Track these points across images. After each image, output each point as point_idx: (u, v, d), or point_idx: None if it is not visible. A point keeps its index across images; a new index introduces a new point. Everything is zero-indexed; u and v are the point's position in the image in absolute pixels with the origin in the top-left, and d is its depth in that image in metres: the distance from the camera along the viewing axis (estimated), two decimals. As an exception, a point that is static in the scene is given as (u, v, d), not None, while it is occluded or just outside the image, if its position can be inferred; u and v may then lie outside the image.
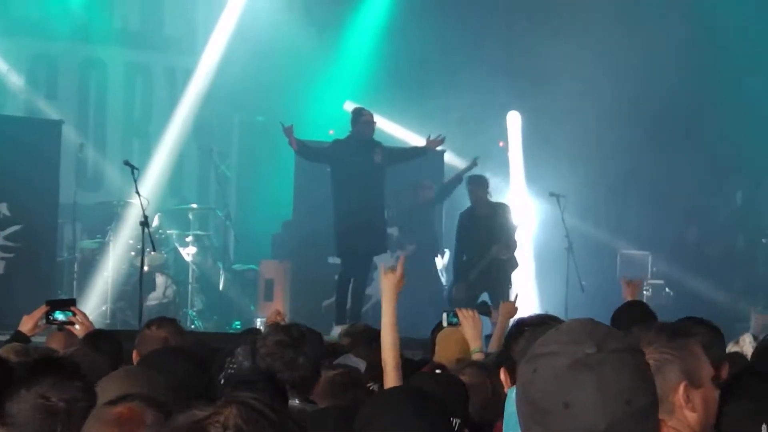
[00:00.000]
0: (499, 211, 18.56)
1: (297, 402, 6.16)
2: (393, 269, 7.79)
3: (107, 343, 8.25)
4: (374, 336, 7.85)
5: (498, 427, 5.47)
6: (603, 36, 20.46)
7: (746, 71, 21.93)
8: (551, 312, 12.70)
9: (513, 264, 18.55)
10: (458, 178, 19.66)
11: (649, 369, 2.82)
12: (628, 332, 3.99)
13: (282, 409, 2.94)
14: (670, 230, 20.83)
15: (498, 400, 5.77)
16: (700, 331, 4.95)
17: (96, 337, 8.51)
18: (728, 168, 22.67)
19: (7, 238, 16.60)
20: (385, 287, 7.76)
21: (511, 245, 17.26)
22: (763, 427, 4.55)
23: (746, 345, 6.94)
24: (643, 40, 20.93)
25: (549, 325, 5.05)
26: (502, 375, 5.64)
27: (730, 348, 6.84)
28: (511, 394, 4.80)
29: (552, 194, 19.56)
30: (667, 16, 21.50)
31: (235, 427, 2.71)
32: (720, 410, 4.33)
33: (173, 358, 6.39)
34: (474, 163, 19.63)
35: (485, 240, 18.15)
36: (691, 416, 3.94)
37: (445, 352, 8.37)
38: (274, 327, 6.85)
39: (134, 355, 7.65)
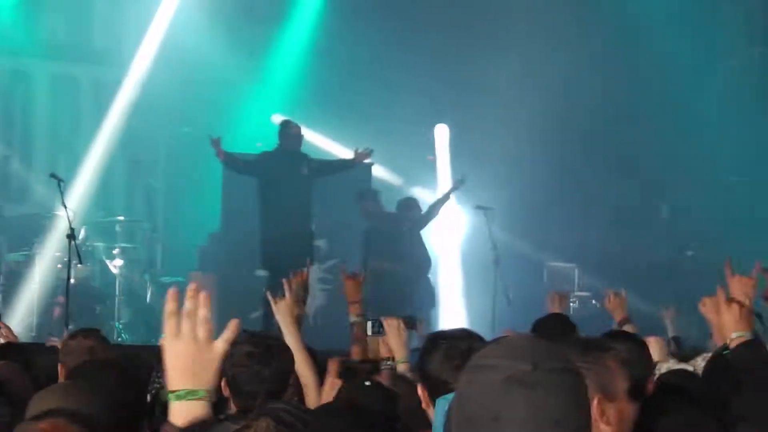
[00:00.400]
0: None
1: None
2: (282, 296, 8.23)
3: (18, 355, 8.25)
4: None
5: None
6: (532, 50, 20.53)
7: (671, 85, 21.62)
8: (478, 324, 12.87)
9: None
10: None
11: (585, 391, 2.85)
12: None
13: (312, 420, 3.23)
14: (595, 243, 20.74)
15: (422, 411, 5.66)
16: (620, 346, 4.95)
17: (6, 349, 8.49)
18: (654, 181, 22.24)
19: None
20: (279, 315, 8.12)
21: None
22: None
23: (698, 364, 6.92)
24: (572, 54, 20.82)
25: (464, 339, 5.74)
26: (420, 390, 5.65)
27: (684, 366, 6.86)
28: (439, 406, 4.86)
29: (479, 207, 19.61)
30: (594, 30, 21.47)
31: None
32: (656, 424, 4.63)
33: (103, 371, 6.25)
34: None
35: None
36: (606, 429, 4.18)
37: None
38: (245, 336, 6.69)
39: (60, 367, 7.53)
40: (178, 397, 3.48)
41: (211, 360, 3.58)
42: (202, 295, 3.63)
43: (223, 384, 5.95)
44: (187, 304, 3.60)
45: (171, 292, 3.58)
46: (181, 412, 3.41)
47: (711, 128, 21.75)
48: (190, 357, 3.58)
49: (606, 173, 21.45)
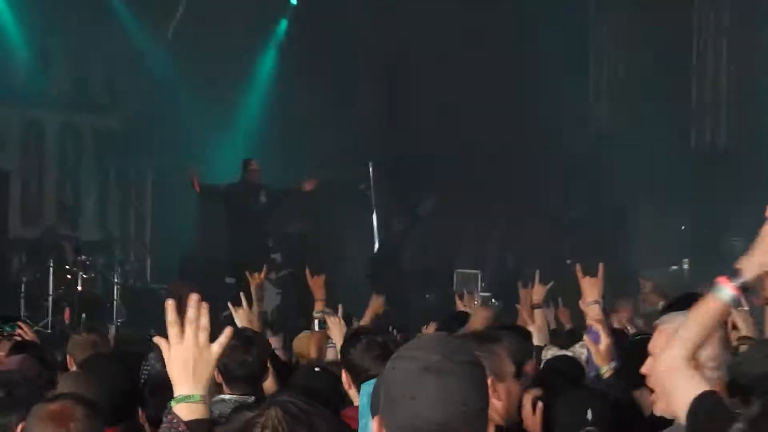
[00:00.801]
0: None
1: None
2: (240, 305, 8.36)
3: (34, 350, 8.32)
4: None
5: (344, 414, 5.49)
6: (443, 83, 20.10)
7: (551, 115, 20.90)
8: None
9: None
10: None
11: (485, 378, 2.98)
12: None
13: (314, 410, 3.15)
14: (495, 253, 20.43)
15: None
16: (507, 337, 5.09)
17: (25, 345, 8.57)
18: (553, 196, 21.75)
19: None
20: (238, 320, 8.19)
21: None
22: (589, 411, 4.74)
23: (576, 350, 7.19)
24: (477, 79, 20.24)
25: (380, 334, 6.07)
26: (344, 376, 5.86)
27: (565, 353, 7.14)
28: (363, 390, 4.93)
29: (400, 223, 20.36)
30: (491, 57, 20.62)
31: (272, 428, 2.93)
32: (554, 402, 4.82)
33: (106, 363, 6.34)
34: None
35: None
36: (498, 404, 4.40)
37: (300, 351, 8.48)
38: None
39: (68, 358, 7.62)
40: (177, 401, 3.53)
41: (210, 361, 3.63)
42: (203, 305, 3.67)
43: (216, 374, 5.89)
44: (191, 313, 3.64)
45: (169, 304, 3.65)
46: (180, 413, 3.48)
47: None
48: (191, 359, 3.63)
49: (507, 193, 20.68)
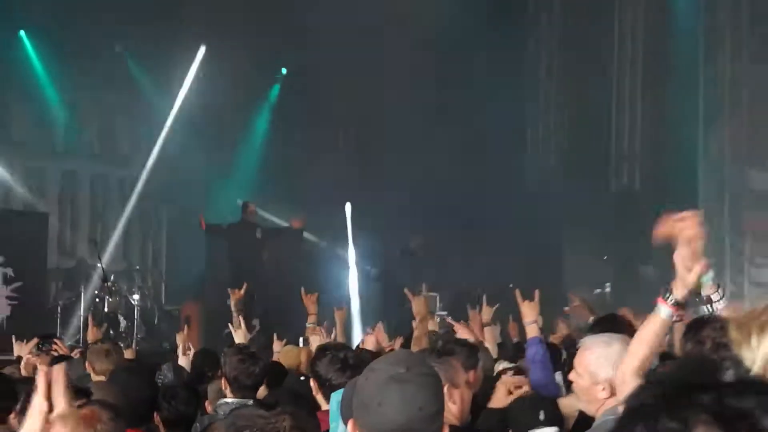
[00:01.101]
0: None
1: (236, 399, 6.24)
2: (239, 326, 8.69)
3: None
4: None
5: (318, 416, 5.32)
6: (413, 140, 20.04)
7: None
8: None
9: None
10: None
11: (441, 387, 3.07)
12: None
13: (309, 418, 3.21)
14: (451, 278, 19.77)
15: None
16: (459, 350, 5.28)
17: (60, 359, 8.55)
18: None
19: (12, 290, 16.54)
20: (237, 339, 8.37)
21: None
22: (542, 412, 4.83)
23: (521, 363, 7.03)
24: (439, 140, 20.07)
25: (342, 349, 5.93)
26: (312, 383, 5.88)
27: (513, 365, 6.93)
28: (333, 399, 4.71)
29: (372, 269, 20.62)
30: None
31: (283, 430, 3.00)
32: (510, 405, 4.99)
33: (128, 374, 6.45)
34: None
35: None
36: (453, 407, 4.41)
37: (287, 362, 8.27)
38: (234, 349, 6.89)
39: (87, 365, 7.69)
40: None
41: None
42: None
43: (223, 383, 6.23)
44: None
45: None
46: None
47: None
48: None
49: (462, 229, 20.45)
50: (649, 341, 3.90)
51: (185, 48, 20.54)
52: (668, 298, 3.86)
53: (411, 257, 19.61)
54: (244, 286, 11.09)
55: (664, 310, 3.87)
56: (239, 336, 8.40)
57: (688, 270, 3.84)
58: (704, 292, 4.14)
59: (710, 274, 4.05)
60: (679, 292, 3.85)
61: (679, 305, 3.86)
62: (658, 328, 3.91)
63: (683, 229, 3.84)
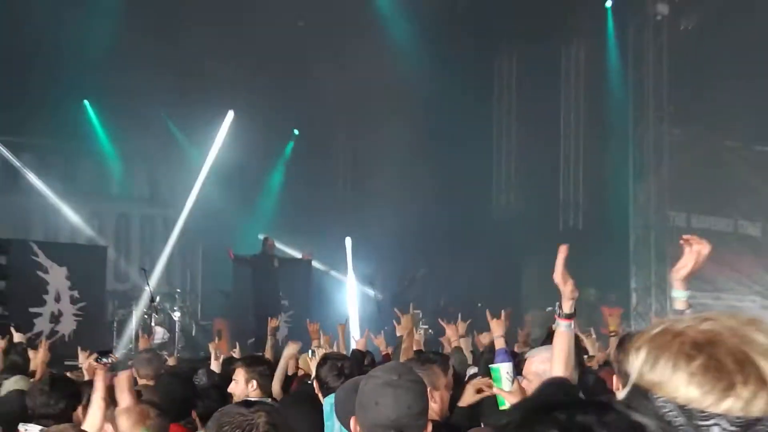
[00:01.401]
0: None
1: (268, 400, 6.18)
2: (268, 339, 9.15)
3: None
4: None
5: None
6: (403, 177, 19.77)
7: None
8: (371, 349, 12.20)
9: None
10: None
11: (425, 391, 3.09)
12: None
13: (282, 417, 3.03)
14: (431, 300, 19.81)
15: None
16: (437, 359, 5.26)
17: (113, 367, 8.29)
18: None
19: (78, 309, 16.72)
20: (268, 349, 8.73)
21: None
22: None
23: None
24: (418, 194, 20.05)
25: (340, 359, 5.92)
26: (315, 385, 5.87)
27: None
28: (327, 402, 4.66)
29: (371, 282, 20.55)
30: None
31: (264, 426, 2.85)
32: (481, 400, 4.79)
33: (170, 379, 6.40)
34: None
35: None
36: (435, 406, 4.39)
37: (303, 366, 8.07)
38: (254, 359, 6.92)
39: (133, 370, 7.30)
40: None
41: None
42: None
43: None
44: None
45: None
46: None
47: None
48: None
49: (440, 257, 20.66)
50: (561, 350, 3.86)
51: (217, 113, 20.69)
52: (559, 313, 3.90)
53: (414, 284, 19.54)
54: (279, 317, 11.99)
55: (561, 324, 3.90)
56: (267, 352, 8.79)
57: (564, 286, 3.87)
58: (677, 307, 3.88)
59: (686, 292, 3.82)
60: (565, 305, 3.88)
61: (570, 316, 3.88)
62: (562, 339, 3.88)
63: (562, 251, 3.91)
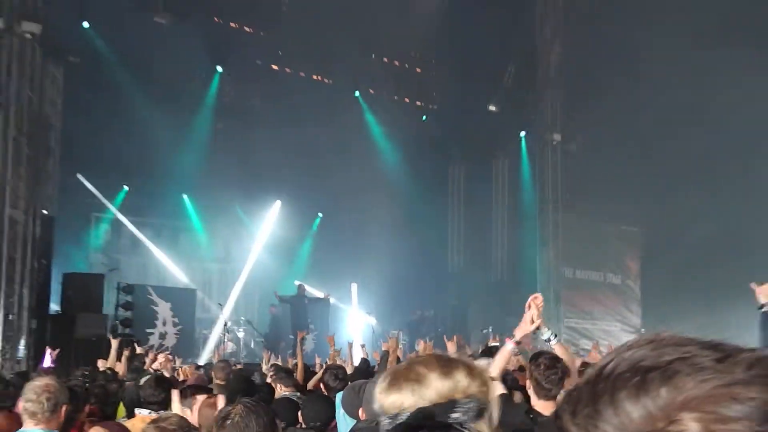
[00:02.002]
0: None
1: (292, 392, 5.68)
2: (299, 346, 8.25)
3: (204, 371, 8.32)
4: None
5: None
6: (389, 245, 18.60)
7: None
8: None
9: None
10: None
11: None
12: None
13: (263, 406, 2.66)
14: (433, 319, 19.34)
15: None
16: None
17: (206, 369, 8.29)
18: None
19: (176, 330, 16.76)
20: (299, 360, 7.87)
21: None
22: None
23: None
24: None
25: (339, 368, 5.51)
26: (322, 387, 5.38)
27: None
28: (337, 398, 4.19)
29: (368, 313, 19.99)
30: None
31: (237, 415, 2.55)
32: None
33: (237, 378, 6.10)
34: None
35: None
36: None
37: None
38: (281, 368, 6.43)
39: (212, 373, 7.24)
40: None
41: None
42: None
43: (322, 387, 5.29)
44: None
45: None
46: None
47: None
48: None
49: (411, 302, 19.72)
50: (502, 362, 3.69)
51: (269, 201, 20.42)
52: (513, 338, 3.73)
53: (425, 321, 18.56)
54: (307, 334, 12.29)
55: (509, 345, 3.73)
56: (264, 369, 7.89)
57: (531, 323, 3.72)
58: (543, 337, 3.97)
59: (550, 330, 3.92)
60: (518, 335, 3.73)
61: (518, 342, 3.76)
62: (506, 355, 3.72)
63: (536, 300, 3.76)
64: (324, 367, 6.84)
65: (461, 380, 1.43)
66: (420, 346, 8.35)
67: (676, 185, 17.16)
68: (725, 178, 16.69)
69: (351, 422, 3.29)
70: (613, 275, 19.74)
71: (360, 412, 3.00)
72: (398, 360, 6.83)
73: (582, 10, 17.12)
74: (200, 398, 3.86)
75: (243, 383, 5.55)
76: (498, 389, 2.58)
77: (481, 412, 1.35)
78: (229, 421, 2.58)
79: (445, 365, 1.45)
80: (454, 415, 1.34)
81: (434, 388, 1.41)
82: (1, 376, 8.05)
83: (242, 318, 18.91)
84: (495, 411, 1.39)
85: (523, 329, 3.74)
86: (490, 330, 16.12)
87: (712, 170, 16.63)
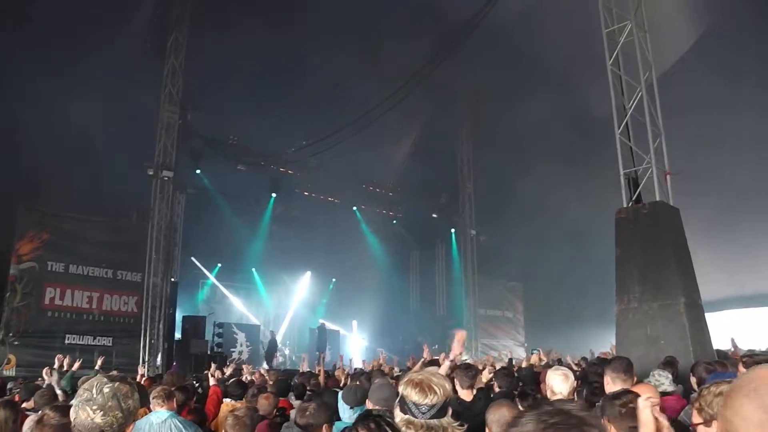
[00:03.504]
0: None
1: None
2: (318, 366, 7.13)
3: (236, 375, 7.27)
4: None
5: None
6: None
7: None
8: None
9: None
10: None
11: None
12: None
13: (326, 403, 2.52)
14: (402, 341, 18.81)
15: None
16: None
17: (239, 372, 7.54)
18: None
19: (248, 350, 15.92)
20: (320, 374, 6.47)
21: None
22: None
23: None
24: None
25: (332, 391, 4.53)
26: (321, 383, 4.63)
27: None
28: (340, 393, 3.44)
29: (363, 338, 19.58)
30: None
31: (312, 408, 2.35)
32: None
33: (282, 380, 5.51)
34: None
35: None
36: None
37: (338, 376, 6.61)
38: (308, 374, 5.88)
39: (267, 376, 6.70)
40: None
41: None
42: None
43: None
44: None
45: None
46: None
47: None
48: None
49: (395, 331, 19.21)
50: (444, 372, 3.33)
51: (301, 272, 20.04)
52: (448, 357, 3.54)
53: (416, 345, 16.75)
54: (325, 354, 12.15)
55: (447, 363, 3.49)
56: (320, 373, 6.56)
57: (458, 350, 3.54)
58: (463, 358, 3.36)
59: (467, 354, 4.07)
60: (451, 355, 3.56)
61: (452, 361, 3.55)
62: (445, 370, 3.45)
63: (459, 335, 3.61)
64: (344, 371, 6.88)
65: (449, 386, 1.56)
66: (410, 361, 7.86)
67: (544, 254, 17.16)
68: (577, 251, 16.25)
69: (345, 407, 3.08)
70: (507, 312, 19.73)
71: (367, 402, 2.71)
72: (380, 368, 6.66)
73: (482, 163, 17.92)
74: (261, 395, 3.67)
75: (284, 384, 5.20)
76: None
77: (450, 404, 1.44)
78: (307, 412, 2.52)
79: (442, 378, 1.56)
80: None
81: (443, 391, 1.51)
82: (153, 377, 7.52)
83: (287, 341, 19.09)
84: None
85: (453, 352, 3.64)
86: (436, 347, 15.55)
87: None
